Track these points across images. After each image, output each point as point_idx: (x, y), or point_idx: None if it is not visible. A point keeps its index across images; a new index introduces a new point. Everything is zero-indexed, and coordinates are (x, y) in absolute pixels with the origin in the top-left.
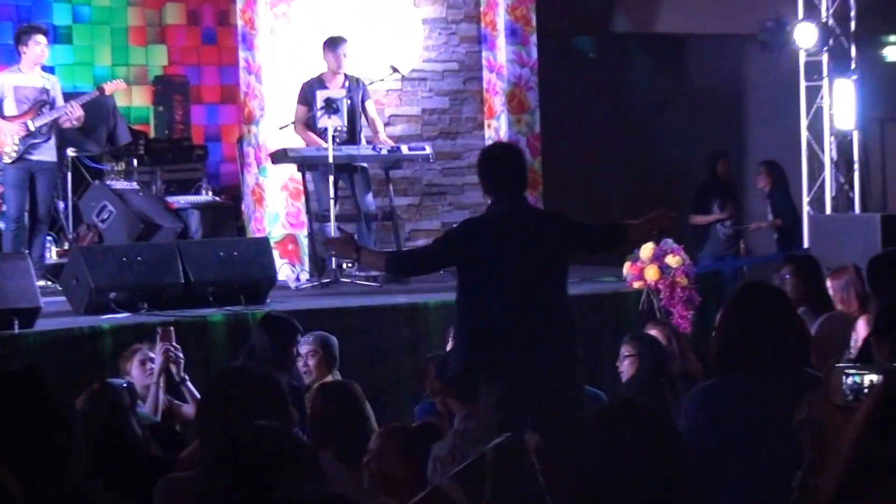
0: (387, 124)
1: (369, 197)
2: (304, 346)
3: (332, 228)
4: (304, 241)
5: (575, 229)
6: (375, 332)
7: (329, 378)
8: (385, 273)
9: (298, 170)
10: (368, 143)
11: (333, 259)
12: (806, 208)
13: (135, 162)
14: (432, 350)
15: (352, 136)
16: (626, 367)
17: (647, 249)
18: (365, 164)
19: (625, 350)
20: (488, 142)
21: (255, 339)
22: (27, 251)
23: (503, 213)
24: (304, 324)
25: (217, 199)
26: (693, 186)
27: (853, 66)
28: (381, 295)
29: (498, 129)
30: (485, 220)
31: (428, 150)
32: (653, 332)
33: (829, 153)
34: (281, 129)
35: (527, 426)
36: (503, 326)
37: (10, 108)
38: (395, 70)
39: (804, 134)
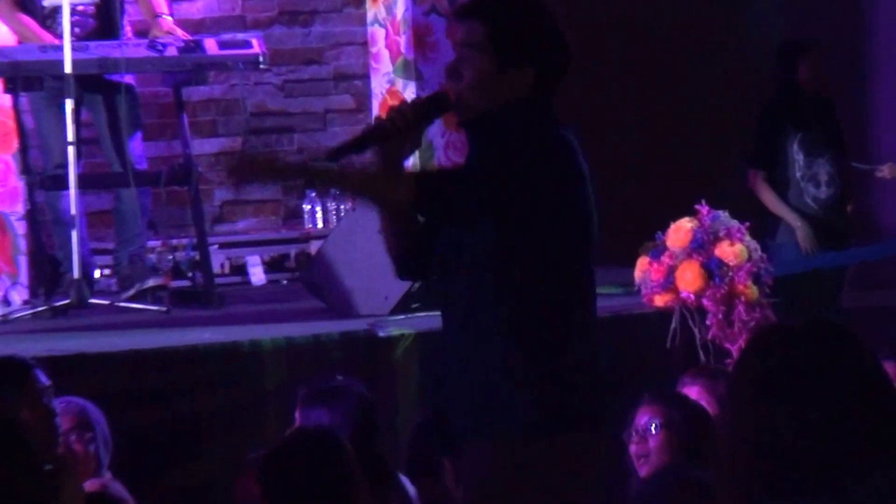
0: None
1: (137, 143)
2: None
3: (71, 202)
4: (19, 229)
5: None
6: (163, 399)
7: (93, 485)
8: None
9: (6, 90)
10: (140, 35)
11: (77, 262)
12: None
13: None
14: (269, 430)
15: (107, 23)
16: (650, 451)
17: (679, 230)
18: (131, 82)
19: (643, 420)
20: (372, 29)
21: None
22: None
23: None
24: None
25: None
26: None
27: None
28: (171, 329)
29: (391, 3)
30: (561, 146)
31: (256, 46)
32: (692, 389)
33: None
34: None
35: None
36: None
37: None
38: None
39: None
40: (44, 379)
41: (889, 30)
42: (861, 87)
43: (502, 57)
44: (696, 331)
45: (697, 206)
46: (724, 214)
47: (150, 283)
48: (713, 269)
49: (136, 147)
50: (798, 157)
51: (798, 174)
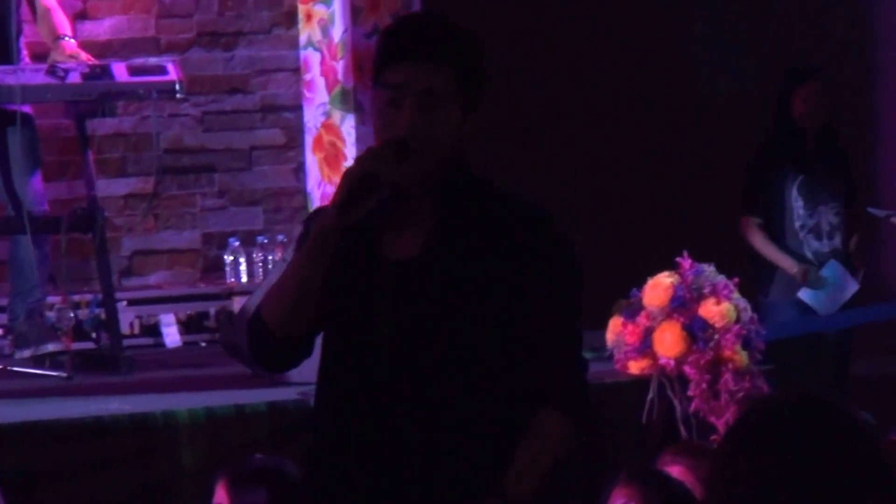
0: (80, 16)
1: (37, 181)
2: None
3: None
4: None
5: None
6: (63, 478)
7: None
8: None
9: None
10: (38, 59)
11: None
12: None
13: None
14: None
15: (0, 44)
16: None
17: (658, 287)
18: (27, 110)
19: (618, 503)
20: (305, 53)
21: None
22: None
23: None
24: None
25: None
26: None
27: None
28: (73, 398)
29: (327, 24)
30: None
31: (172, 72)
32: (673, 469)
33: None
34: None
35: None
36: None
37: None
38: None
39: None
40: None
41: None
42: (871, 121)
43: (468, 101)
44: (676, 402)
45: (679, 259)
46: (709, 268)
47: (49, 348)
48: (696, 332)
49: (36, 185)
50: (797, 204)
51: (797, 224)
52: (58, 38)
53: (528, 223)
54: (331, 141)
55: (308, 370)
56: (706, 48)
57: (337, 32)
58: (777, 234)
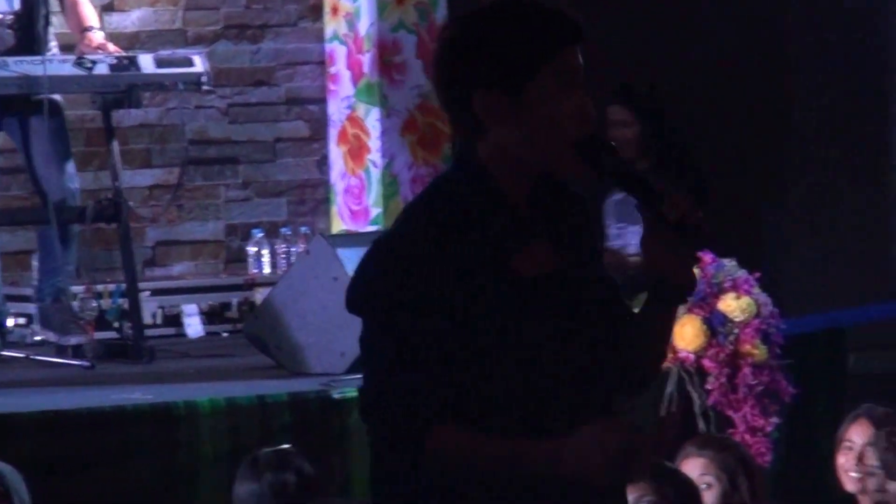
0: (107, 7)
1: (69, 169)
2: None
3: None
4: None
5: None
6: (85, 466)
7: None
8: None
9: None
10: (65, 50)
11: None
12: None
13: None
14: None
15: (29, 36)
16: None
17: None
18: (58, 98)
19: (631, 498)
20: (331, 46)
21: None
22: None
23: None
24: None
25: None
26: None
27: None
28: (96, 387)
29: (353, 18)
30: None
31: (199, 64)
32: (692, 464)
33: None
34: None
35: None
36: None
37: None
38: None
39: None
40: None
41: None
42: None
43: None
44: (694, 395)
45: (699, 254)
46: (730, 263)
47: (72, 340)
48: (716, 326)
49: (66, 176)
50: None
51: None
52: (85, 29)
53: (583, 211)
54: (355, 134)
55: (330, 362)
56: None
57: (363, 26)
58: None
